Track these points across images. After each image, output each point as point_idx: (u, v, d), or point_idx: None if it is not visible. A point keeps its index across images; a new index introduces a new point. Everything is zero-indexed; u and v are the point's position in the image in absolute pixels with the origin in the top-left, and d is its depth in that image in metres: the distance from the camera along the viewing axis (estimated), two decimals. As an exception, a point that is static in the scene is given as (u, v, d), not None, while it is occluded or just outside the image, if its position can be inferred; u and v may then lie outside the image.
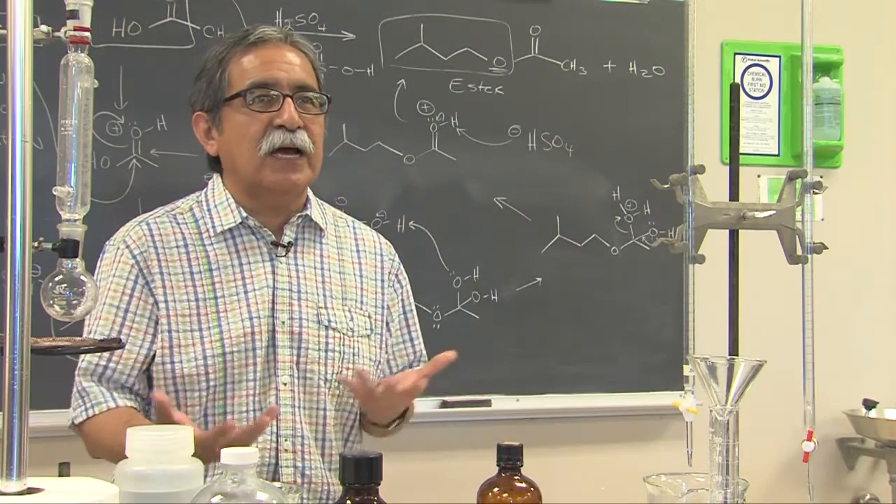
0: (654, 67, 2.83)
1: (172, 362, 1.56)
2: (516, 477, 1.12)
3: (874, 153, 3.09)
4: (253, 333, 1.58)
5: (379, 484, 0.96)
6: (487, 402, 2.67)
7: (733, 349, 1.73)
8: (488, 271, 2.70)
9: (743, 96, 2.96)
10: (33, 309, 0.88)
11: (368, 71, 2.63)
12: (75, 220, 1.01)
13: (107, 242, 1.66)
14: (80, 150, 1.00)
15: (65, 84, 1.01)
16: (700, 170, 1.65)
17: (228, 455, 0.89)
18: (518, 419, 2.71)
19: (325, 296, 1.66)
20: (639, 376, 2.78)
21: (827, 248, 1.69)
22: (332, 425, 1.64)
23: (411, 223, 2.65)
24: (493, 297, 2.70)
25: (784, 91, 3.03)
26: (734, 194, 1.75)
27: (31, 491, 0.85)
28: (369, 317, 1.71)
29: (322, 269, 1.68)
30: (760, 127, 3.02)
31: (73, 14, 1.01)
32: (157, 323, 1.59)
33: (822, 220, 2.91)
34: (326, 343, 1.63)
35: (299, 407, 1.60)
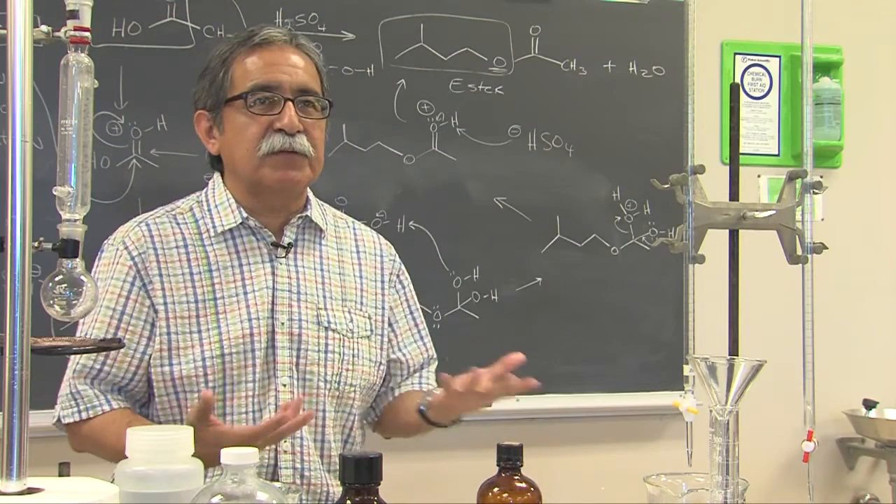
0: (654, 67, 2.83)
1: (171, 364, 1.56)
2: (516, 477, 1.12)
3: (874, 153, 3.09)
4: (252, 335, 1.58)
5: (379, 484, 0.96)
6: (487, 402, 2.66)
7: (733, 349, 1.73)
8: (488, 271, 2.70)
9: (743, 96, 2.96)
10: (33, 309, 0.88)
11: (368, 71, 2.63)
12: (75, 220, 1.01)
13: (105, 241, 1.65)
14: (80, 150, 1.00)
15: (65, 84, 1.01)
16: (700, 170, 1.65)
17: (228, 455, 0.89)
18: (518, 419, 2.71)
19: (324, 297, 1.66)
20: (639, 376, 2.78)
21: (827, 248, 1.70)
22: (331, 427, 1.63)
23: (411, 223, 2.65)
24: (493, 297, 2.70)
25: (784, 91, 3.03)
26: (734, 194, 1.75)
27: (31, 491, 0.85)
28: (369, 318, 1.71)
29: (322, 270, 1.68)
30: (760, 127, 3.02)
31: (73, 14, 1.01)
32: (153, 326, 1.58)
33: (822, 220, 2.91)
34: (326, 344, 1.63)
35: (299, 408, 1.60)
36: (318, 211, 1.72)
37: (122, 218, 1.71)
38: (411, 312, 1.79)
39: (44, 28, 0.99)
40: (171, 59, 2.45)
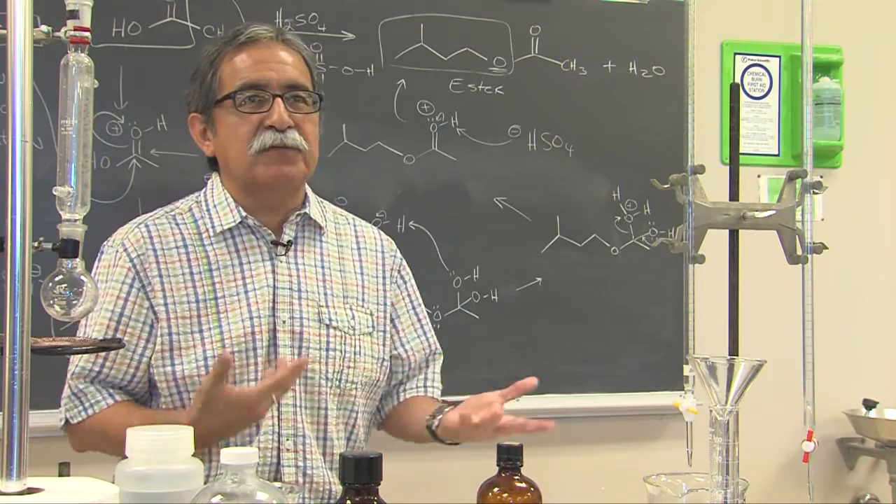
0: (654, 67, 2.83)
1: (173, 364, 1.56)
2: (516, 477, 1.12)
3: (874, 153, 3.09)
4: (254, 333, 1.58)
5: (379, 484, 0.96)
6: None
7: (733, 349, 1.73)
8: (488, 271, 2.70)
9: (743, 96, 2.96)
10: (33, 309, 0.88)
11: (368, 71, 2.63)
12: (75, 220, 1.01)
13: (104, 243, 1.65)
14: (80, 150, 1.00)
15: (65, 84, 1.01)
16: (700, 170, 1.65)
17: (228, 455, 0.89)
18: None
19: (325, 294, 1.66)
20: (639, 376, 2.78)
21: (827, 248, 1.70)
22: (333, 425, 1.63)
23: (411, 223, 2.65)
24: (493, 297, 2.70)
25: (784, 91, 3.03)
26: (734, 194, 1.75)
27: (31, 491, 0.85)
28: (371, 314, 1.71)
29: (322, 267, 1.68)
30: (760, 127, 3.02)
31: (73, 14, 1.01)
32: (151, 327, 1.58)
33: (822, 220, 2.91)
34: (328, 342, 1.63)
35: (301, 406, 1.60)
36: (318, 208, 1.72)
37: (122, 218, 1.71)
38: (413, 308, 1.79)
39: (44, 28, 0.99)
40: (171, 59, 2.45)
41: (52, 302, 1.01)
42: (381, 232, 1.82)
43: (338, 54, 2.59)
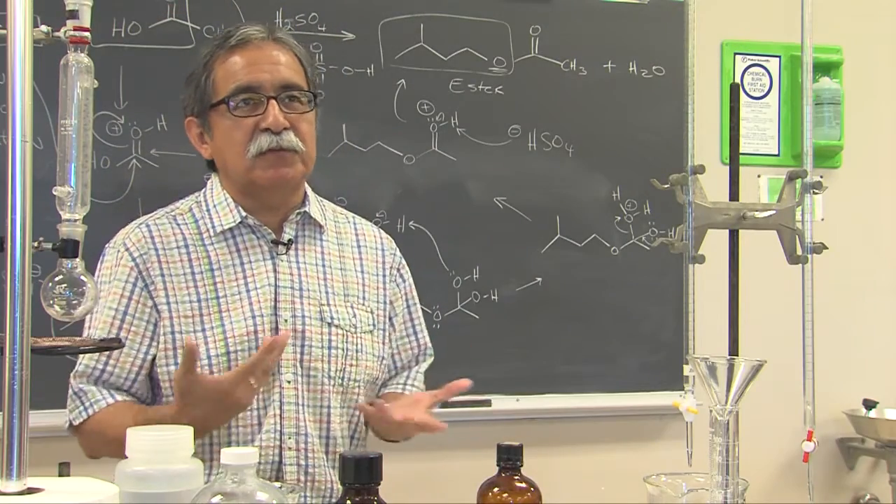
0: (654, 67, 2.83)
1: (176, 364, 1.56)
2: (516, 477, 1.12)
3: (874, 153, 3.09)
4: (256, 332, 1.58)
5: (379, 484, 0.96)
6: (487, 402, 2.67)
7: (733, 349, 1.73)
8: (488, 271, 2.70)
9: (743, 96, 2.96)
10: (33, 309, 0.88)
11: (368, 71, 2.63)
12: (75, 220, 1.01)
13: (106, 245, 1.66)
14: (80, 150, 1.00)
15: (65, 84, 1.01)
16: (700, 170, 1.65)
17: (228, 455, 0.89)
18: (518, 419, 2.72)
19: (326, 292, 1.66)
20: (639, 376, 2.78)
21: (827, 248, 1.70)
22: (337, 423, 1.63)
23: (411, 223, 2.65)
24: (493, 297, 2.71)
25: (784, 91, 3.03)
26: (734, 194, 1.75)
27: (31, 491, 0.85)
28: (371, 312, 1.71)
29: (323, 265, 1.68)
30: (760, 127, 3.02)
31: (73, 14, 1.01)
32: (154, 326, 1.58)
33: (822, 220, 2.91)
34: (329, 340, 1.63)
35: (303, 405, 1.60)
36: (317, 207, 1.72)
37: (122, 218, 1.71)
38: (408, 307, 1.79)
39: (44, 28, 0.99)
40: (171, 59, 2.45)
41: (52, 302, 1.01)
42: (381, 230, 1.83)
43: (338, 54, 2.59)
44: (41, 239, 0.96)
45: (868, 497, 3.00)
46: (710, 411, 1.09)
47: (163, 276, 1.60)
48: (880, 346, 3.06)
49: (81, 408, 1.57)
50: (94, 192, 1.03)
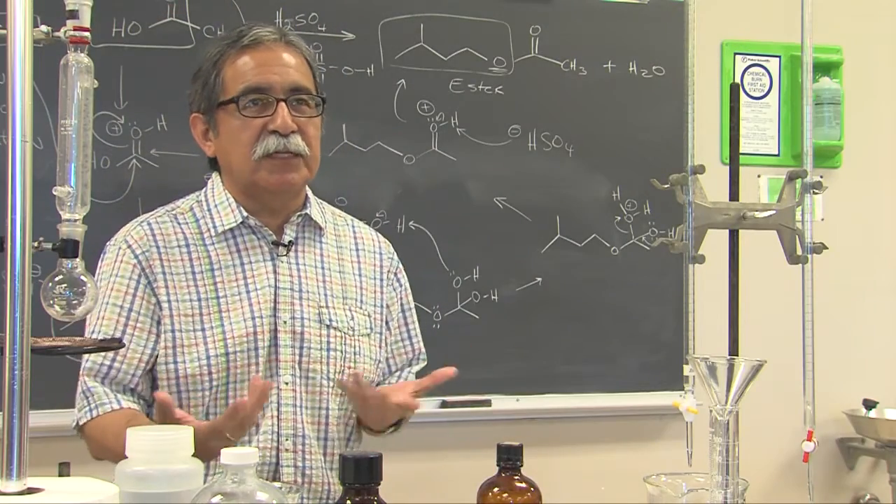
0: (654, 67, 2.83)
1: (175, 363, 1.56)
2: (516, 477, 1.12)
3: (874, 153, 3.09)
4: (255, 333, 1.58)
5: (379, 484, 0.96)
6: (487, 402, 2.67)
7: (733, 349, 1.73)
8: (488, 271, 2.70)
9: (743, 96, 2.96)
10: (33, 309, 0.88)
11: (368, 71, 2.63)
12: (75, 220, 1.01)
13: (108, 243, 1.65)
14: (80, 150, 1.00)
15: (65, 84, 1.01)
16: (700, 170, 1.65)
17: (228, 455, 0.89)
18: (518, 419, 2.72)
19: (326, 295, 1.66)
20: (639, 376, 2.78)
21: (827, 248, 1.70)
22: (334, 424, 1.64)
23: (411, 223, 2.65)
24: (493, 297, 2.71)
25: (784, 91, 3.03)
26: (734, 194, 1.75)
27: (31, 491, 0.85)
28: (369, 315, 1.71)
29: (322, 268, 1.68)
30: (760, 127, 3.02)
31: (73, 14, 1.01)
32: (159, 323, 1.58)
33: (822, 220, 2.91)
34: (328, 342, 1.63)
35: (301, 406, 1.60)
36: (318, 209, 1.72)
37: (122, 218, 1.71)
38: (403, 312, 1.79)
39: (44, 28, 0.99)
40: (171, 59, 2.45)
41: (52, 302, 1.00)
42: (379, 234, 1.83)
43: (338, 54, 2.59)
44: (41, 239, 0.96)
45: (868, 497, 3.00)
46: (710, 411, 1.09)
47: (164, 274, 1.60)
48: (880, 346, 3.06)
49: (87, 409, 1.56)
50: (94, 192, 1.03)
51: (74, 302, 1.01)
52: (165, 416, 1.40)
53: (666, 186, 1.66)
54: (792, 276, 1.73)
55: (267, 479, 1.55)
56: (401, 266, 1.81)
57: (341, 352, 1.64)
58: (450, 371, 1.57)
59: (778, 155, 3.02)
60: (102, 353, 1.56)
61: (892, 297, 3.09)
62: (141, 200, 2.39)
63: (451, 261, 2.67)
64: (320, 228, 1.70)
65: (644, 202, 2.82)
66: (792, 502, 2.74)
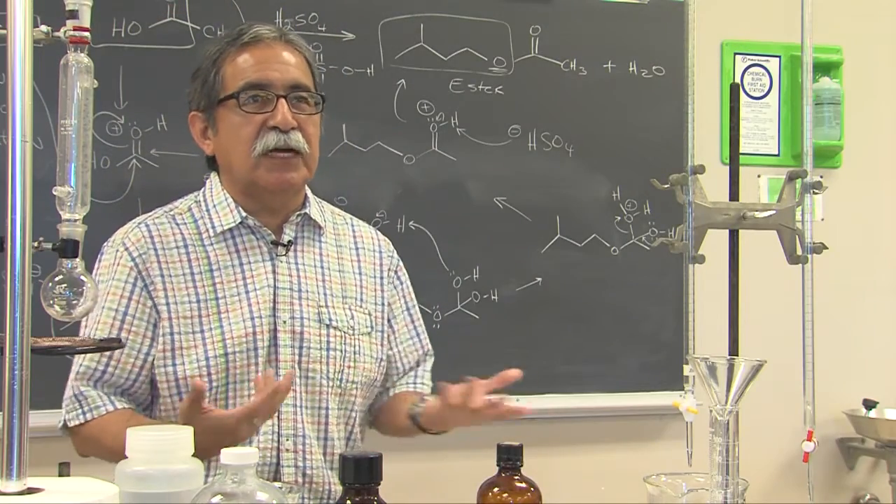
0: (654, 67, 2.83)
1: (174, 364, 1.56)
2: (516, 477, 1.12)
3: (874, 153, 3.09)
4: (255, 333, 1.58)
5: (379, 484, 0.96)
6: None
7: (733, 349, 1.73)
8: (488, 271, 2.70)
9: (743, 96, 2.96)
10: (33, 309, 0.88)
11: (368, 71, 2.63)
12: (75, 220, 1.01)
13: (105, 244, 1.65)
14: (80, 150, 1.00)
15: (65, 84, 1.01)
16: (700, 170, 1.65)
17: (228, 455, 0.89)
18: (518, 419, 2.71)
19: (325, 294, 1.66)
20: (639, 376, 2.78)
21: (827, 248, 1.70)
22: (334, 424, 1.63)
23: (411, 223, 2.65)
24: (493, 297, 2.70)
25: (784, 91, 3.03)
26: (734, 194, 1.75)
27: (31, 491, 0.85)
28: (369, 314, 1.71)
29: (322, 267, 1.68)
30: (760, 127, 3.02)
31: (73, 14, 1.01)
32: (155, 326, 1.58)
33: (822, 220, 2.91)
34: (328, 342, 1.63)
35: (301, 406, 1.60)
36: (317, 208, 1.72)
37: (122, 218, 1.71)
38: (408, 309, 1.79)
39: (44, 28, 0.99)
40: (171, 59, 2.45)
41: (52, 302, 1.01)
42: (378, 232, 1.83)
43: (338, 54, 2.59)
44: (41, 239, 0.96)
45: (868, 497, 3.00)
46: (710, 411, 1.09)
47: (162, 276, 1.59)
48: (880, 346, 3.06)
49: (79, 411, 1.56)
50: (94, 192, 1.03)
51: (74, 302, 1.01)
52: (191, 405, 1.39)
53: (666, 186, 1.66)
54: (792, 276, 1.73)
55: (267, 480, 1.55)
56: (401, 264, 1.81)
57: (341, 351, 1.64)
58: (517, 373, 1.54)
59: (778, 155, 3.02)
60: (96, 358, 1.56)
61: (892, 297, 3.09)
62: (141, 200, 2.39)
63: (451, 261, 2.67)
64: (320, 228, 1.70)
65: (644, 202, 2.82)
66: (792, 502, 2.73)
